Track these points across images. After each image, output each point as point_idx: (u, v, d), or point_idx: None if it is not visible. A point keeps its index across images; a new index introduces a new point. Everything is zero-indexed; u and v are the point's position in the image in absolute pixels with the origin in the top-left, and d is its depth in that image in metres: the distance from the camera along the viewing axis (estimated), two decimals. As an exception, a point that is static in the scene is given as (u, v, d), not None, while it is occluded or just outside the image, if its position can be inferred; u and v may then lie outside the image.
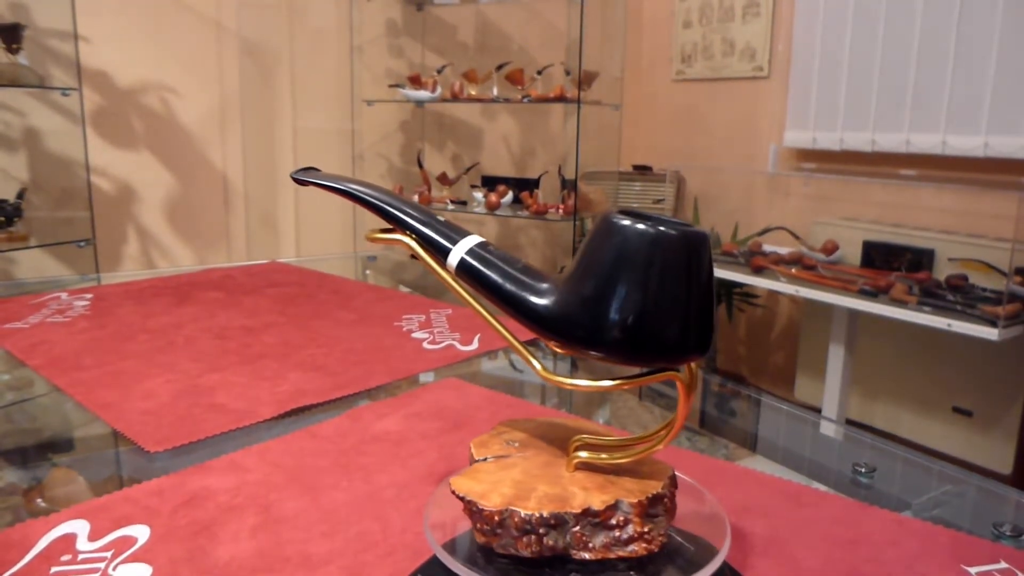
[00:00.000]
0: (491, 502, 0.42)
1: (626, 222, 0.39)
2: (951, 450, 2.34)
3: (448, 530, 0.46)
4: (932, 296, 2.01)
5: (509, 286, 0.46)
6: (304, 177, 0.55)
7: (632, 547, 0.41)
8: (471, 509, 0.43)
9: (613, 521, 0.41)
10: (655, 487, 0.42)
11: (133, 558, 0.54)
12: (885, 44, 2.47)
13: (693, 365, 0.42)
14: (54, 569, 0.53)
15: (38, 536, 0.57)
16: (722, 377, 3.05)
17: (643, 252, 0.38)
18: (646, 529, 0.41)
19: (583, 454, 0.45)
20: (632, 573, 0.41)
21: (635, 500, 0.41)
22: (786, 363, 3.00)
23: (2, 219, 2.19)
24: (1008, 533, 0.56)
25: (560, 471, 0.45)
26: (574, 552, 0.42)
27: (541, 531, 0.41)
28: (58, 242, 2.34)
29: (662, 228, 0.39)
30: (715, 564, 0.41)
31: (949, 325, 1.87)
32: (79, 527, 0.58)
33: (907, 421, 2.46)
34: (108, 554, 0.55)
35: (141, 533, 0.58)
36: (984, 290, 2.06)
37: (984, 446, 2.27)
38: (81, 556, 0.55)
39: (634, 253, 0.39)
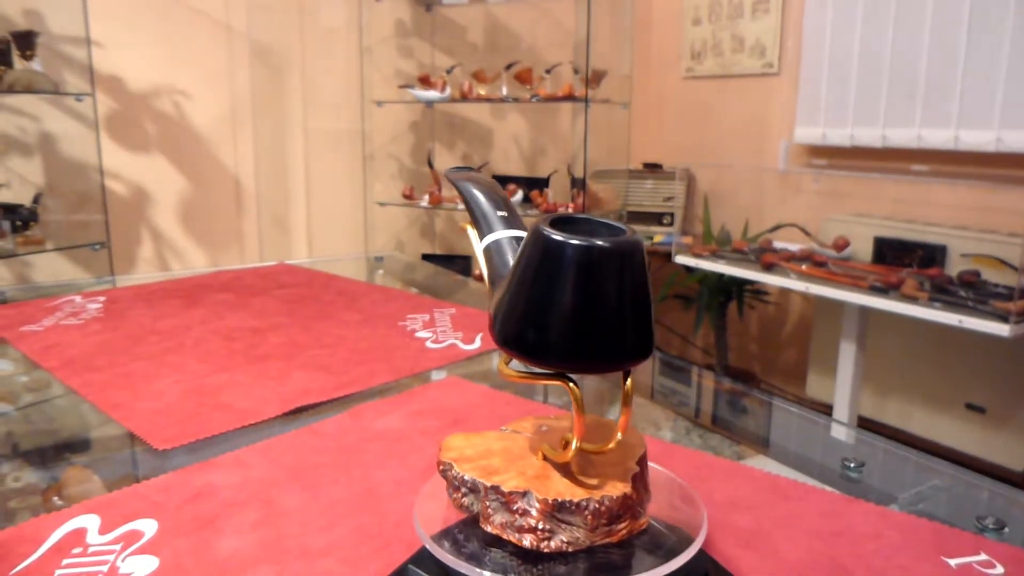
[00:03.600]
0: (446, 455, 0.48)
1: (558, 236, 0.40)
2: (964, 447, 2.34)
3: (438, 521, 0.48)
4: (944, 292, 2.00)
5: (494, 282, 0.48)
6: (453, 175, 0.59)
7: (523, 535, 0.43)
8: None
9: (515, 506, 0.43)
10: (574, 495, 0.43)
11: (141, 551, 0.57)
12: (896, 39, 2.47)
13: (629, 382, 0.44)
14: (66, 561, 0.55)
15: (51, 530, 0.59)
16: (733, 374, 3.05)
17: (575, 266, 0.39)
18: (543, 527, 0.43)
19: (547, 446, 0.48)
20: (605, 560, 0.42)
21: (542, 497, 0.43)
22: (798, 360, 3.00)
23: (19, 223, 2.24)
24: (991, 526, 0.57)
25: (532, 455, 0.48)
26: (482, 521, 0.45)
27: (462, 491, 0.46)
28: (73, 245, 2.39)
29: (594, 241, 0.40)
30: (690, 552, 0.42)
31: (960, 321, 1.87)
32: (90, 521, 0.61)
33: (920, 418, 2.46)
34: (117, 547, 0.57)
35: (149, 527, 0.60)
36: (996, 286, 2.06)
37: (997, 443, 2.27)
38: (91, 549, 0.57)
39: (566, 267, 0.39)
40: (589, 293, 0.39)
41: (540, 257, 0.40)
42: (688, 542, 0.44)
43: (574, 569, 0.42)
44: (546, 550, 0.43)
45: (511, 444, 0.50)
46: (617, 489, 0.43)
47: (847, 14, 2.61)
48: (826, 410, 2.46)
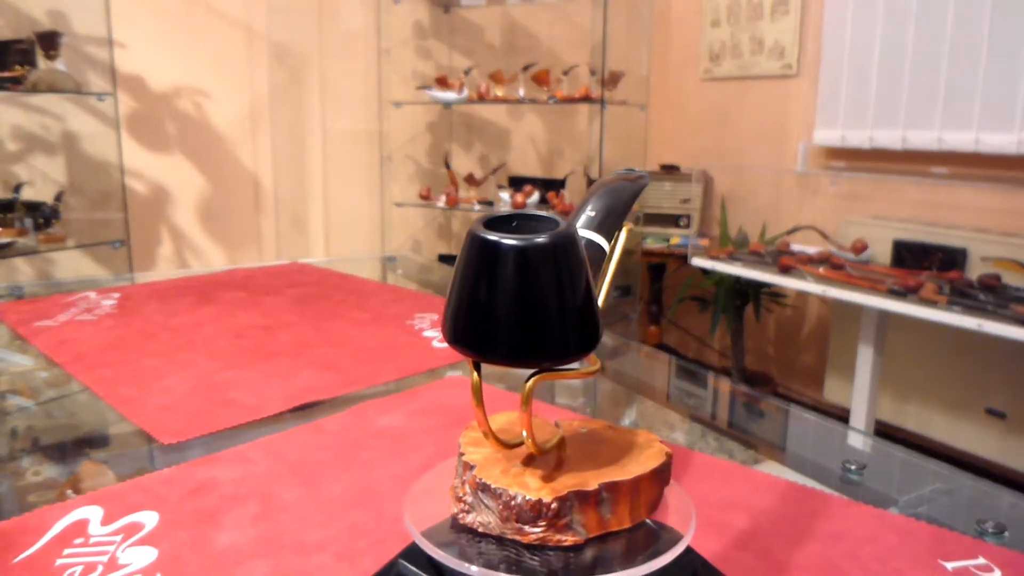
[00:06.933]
0: (472, 423, 0.50)
1: (492, 236, 0.40)
2: (984, 452, 2.31)
3: (430, 517, 0.48)
4: (963, 296, 1.98)
5: None
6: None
7: (454, 501, 0.48)
8: None
9: (463, 475, 0.47)
10: (497, 481, 0.45)
11: (141, 542, 0.57)
12: (916, 40, 2.44)
13: (531, 382, 0.44)
14: (67, 551, 0.56)
15: (54, 520, 0.60)
16: (750, 377, 3.03)
17: (510, 264, 0.40)
18: (468, 500, 0.46)
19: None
20: (592, 556, 0.43)
21: (474, 474, 0.46)
22: (816, 364, 2.97)
23: (41, 220, 2.27)
24: (991, 530, 0.57)
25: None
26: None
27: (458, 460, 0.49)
28: (94, 243, 2.42)
29: (527, 238, 0.40)
30: (676, 551, 0.42)
31: (980, 325, 1.84)
32: (92, 513, 0.62)
33: (939, 423, 2.43)
34: (118, 538, 0.58)
35: (150, 519, 0.61)
36: (1017, 290, 2.03)
37: (1018, 448, 2.24)
38: (93, 540, 0.58)
39: (502, 266, 0.40)
40: (526, 290, 0.40)
41: (478, 257, 0.41)
42: (676, 541, 0.44)
43: (556, 564, 0.42)
44: (462, 522, 0.46)
45: (538, 434, 0.51)
46: (538, 494, 0.43)
47: (867, 15, 2.59)
48: (844, 414, 2.44)
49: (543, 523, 0.43)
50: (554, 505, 0.43)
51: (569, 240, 0.41)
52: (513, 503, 0.44)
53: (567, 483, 0.44)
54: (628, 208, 0.54)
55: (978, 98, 2.29)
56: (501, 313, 0.40)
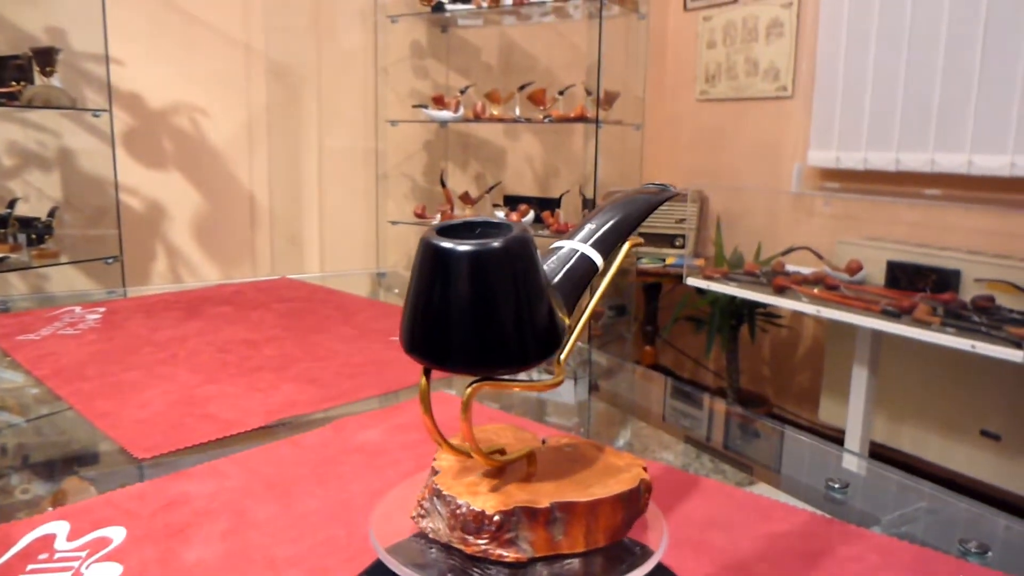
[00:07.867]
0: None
1: (445, 244, 0.40)
2: (979, 474, 2.29)
3: (396, 533, 0.47)
4: (957, 317, 1.97)
5: None
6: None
7: (415, 506, 0.48)
8: None
9: (427, 480, 0.48)
10: (451, 490, 0.46)
11: (106, 558, 0.56)
12: (909, 63, 2.45)
13: (469, 390, 0.43)
14: (30, 567, 0.55)
15: (20, 535, 0.59)
16: (745, 397, 3.02)
17: (464, 270, 0.39)
18: (425, 505, 0.47)
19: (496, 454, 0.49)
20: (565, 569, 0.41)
21: (432, 481, 0.47)
22: (811, 384, 2.96)
23: (34, 236, 2.27)
24: (974, 550, 0.56)
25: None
26: None
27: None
28: (87, 259, 2.41)
29: (480, 243, 0.40)
30: (647, 567, 0.41)
31: (973, 347, 1.84)
32: (59, 528, 0.60)
33: (934, 444, 2.41)
34: (83, 554, 0.57)
35: (117, 534, 0.59)
36: (1011, 311, 2.02)
37: (1013, 470, 2.22)
38: (58, 555, 0.57)
39: (455, 272, 0.40)
40: (481, 294, 0.40)
41: (432, 265, 0.41)
42: (647, 557, 0.43)
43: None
44: (417, 525, 0.47)
45: (509, 443, 0.50)
46: (483, 505, 0.43)
47: (861, 38, 2.60)
48: (839, 435, 2.42)
49: (486, 535, 0.42)
50: (496, 518, 0.42)
51: (522, 245, 0.40)
52: (459, 512, 0.43)
53: (519, 498, 0.43)
54: (637, 223, 0.53)
55: (971, 121, 2.30)
56: (454, 320, 0.40)
